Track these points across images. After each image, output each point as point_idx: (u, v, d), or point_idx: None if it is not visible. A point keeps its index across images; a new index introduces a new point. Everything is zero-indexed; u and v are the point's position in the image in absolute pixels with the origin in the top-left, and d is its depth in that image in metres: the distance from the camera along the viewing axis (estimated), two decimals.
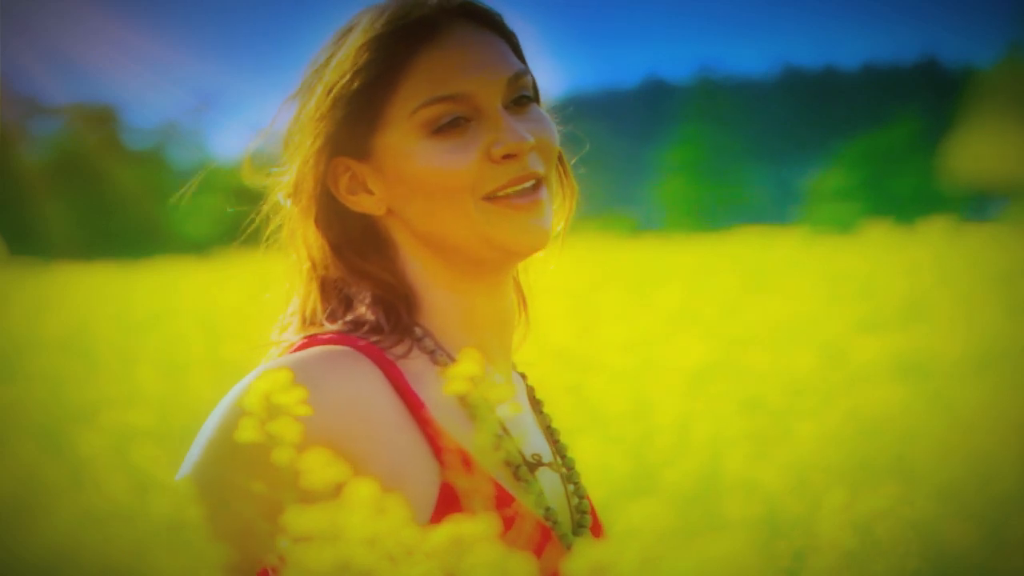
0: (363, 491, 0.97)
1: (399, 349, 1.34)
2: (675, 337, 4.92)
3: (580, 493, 1.41)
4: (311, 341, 1.33)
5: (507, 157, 1.33)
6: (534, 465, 1.37)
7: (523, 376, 1.51)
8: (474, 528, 0.95)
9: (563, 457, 1.44)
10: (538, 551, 1.31)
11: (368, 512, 0.96)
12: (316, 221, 1.38)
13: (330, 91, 1.35)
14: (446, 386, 1.14)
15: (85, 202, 27.16)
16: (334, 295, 1.38)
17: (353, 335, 1.33)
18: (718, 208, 29.79)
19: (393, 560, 0.96)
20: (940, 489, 2.16)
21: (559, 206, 1.45)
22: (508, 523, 1.29)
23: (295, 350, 1.33)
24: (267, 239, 1.45)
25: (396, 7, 1.35)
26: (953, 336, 4.32)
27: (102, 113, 30.44)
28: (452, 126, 1.33)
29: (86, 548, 0.88)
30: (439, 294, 1.38)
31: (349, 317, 1.36)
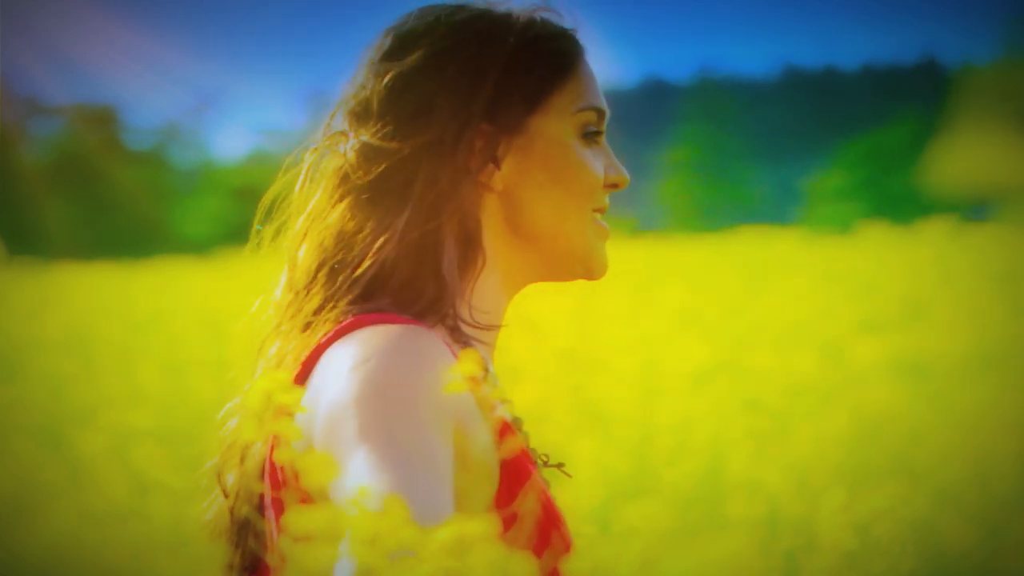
0: (363, 491, 0.97)
1: (440, 334, 1.34)
2: (676, 337, 4.92)
3: None
4: (375, 317, 1.30)
5: (611, 185, 1.44)
6: (545, 463, 1.41)
7: None
8: (474, 528, 0.95)
9: None
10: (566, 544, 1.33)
11: (369, 512, 0.96)
12: (442, 176, 1.36)
13: (513, 62, 1.39)
14: (449, 385, 1.15)
15: (85, 202, 27.17)
16: (390, 262, 1.35)
17: (408, 316, 1.32)
18: (718, 208, 29.80)
19: (393, 560, 0.96)
20: (940, 490, 2.16)
21: None
22: (550, 512, 1.32)
23: (355, 323, 1.30)
24: (274, 238, 1.44)
25: (559, 20, 1.45)
26: (953, 336, 4.32)
27: (102, 113, 30.45)
28: (591, 138, 1.42)
29: (86, 548, 0.88)
30: (490, 284, 1.39)
31: (400, 296, 1.34)
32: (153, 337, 6.62)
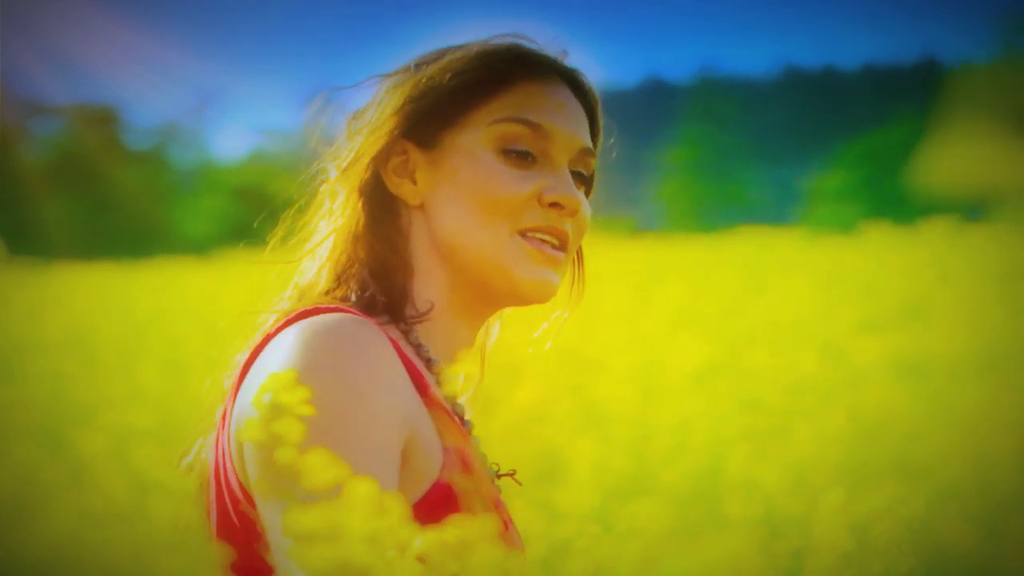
0: (363, 490, 0.97)
1: (391, 333, 1.36)
2: (675, 337, 4.92)
3: None
4: (320, 308, 1.33)
5: (554, 205, 1.40)
6: (498, 473, 1.43)
7: None
8: (474, 528, 0.95)
9: None
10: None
11: (368, 511, 0.96)
12: (360, 190, 1.42)
13: (427, 80, 1.41)
14: (447, 385, 1.16)
15: (85, 202, 27.16)
16: (342, 269, 1.41)
17: (354, 310, 1.35)
18: (718, 208, 29.80)
19: (393, 560, 0.96)
20: (940, 490, 2.16)
21: (564, 297, 1.54)
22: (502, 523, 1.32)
23: (296, 318, 1.32)
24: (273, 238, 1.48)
25: (515, 41, 1.45)
26: (953, 336, 4.32)
27: (102, 113, 30.45)
28: (520, 157, 1.40)
29: (86, 548, 0.88)
30: (433, 299, 1.41)
31: (348, 294, 1.39)
32: (153, 337, 6.62)
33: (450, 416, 1.33)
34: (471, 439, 1.38)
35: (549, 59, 1.44)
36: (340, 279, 1.41)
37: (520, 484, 1.45)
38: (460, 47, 1.44)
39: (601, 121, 1.49)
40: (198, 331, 6.39)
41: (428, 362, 1.38)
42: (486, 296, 1.41)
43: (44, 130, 30.70)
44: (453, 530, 0.96)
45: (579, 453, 2.84)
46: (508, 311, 1.53)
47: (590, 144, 1.45)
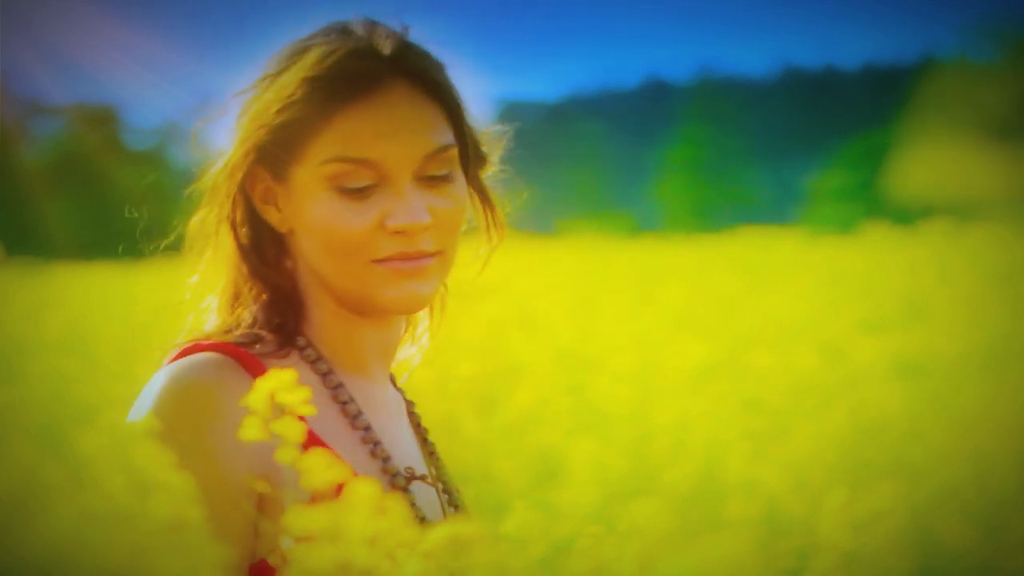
0: (363, 491, 0.97)
1: (280, 359, 1.37)
2: (675, 337, 4.92)
3: (456, 505, 1.46)
4: (192, 348, 1.36)
5: (399, 232, 1.35)
6: (408, 478, 1.41)
7: (402, 391, 1.53)
8: (474, 528, 0.95)
9: (438, 471, 1.48)
10: None
11: (368, 512, 0.96)
12: (229, 219, 1.41)
13: (262, 113, 1.37)
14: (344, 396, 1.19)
15: (85, 202, 27.14)
16: (232, 297, 1.43)
17: (233, 343, 1.37)
18: (718, 208, 29.78)
19: (393, 560, 0.96)
20: (940, 489, 2.16)
21: (484, 237, 1.49)
22: None
23: (176, 356, 1.36)
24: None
25: (348, 49, 1.36)
26: (953, 336, 4.32)
27: (102, 113, 30.41)
28: (358, 191, 1.35)
29: (86, 548, 0.88)
30: (326, 315, 1.41)
31: (235, 324, 1.40)
32: (153, 337, 6.61)
33: (316, 437, 1.32)
34: (378, 448, 1.38)
35: (382, 59, 1.36)
36: (231, 311, 1.42)
37: (430, 483, 1.44)
38: (293, 59, 1.37)
39: (458, 98, 1.40)
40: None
41: (326, 376, 1.38)
42: (361, 312, 1.41)
43: (44, 130, 30.68)
44: (447, 530, 0.96)
45: (579, 453, 2.83)
46: None
47: (438, 142, 1.37)
